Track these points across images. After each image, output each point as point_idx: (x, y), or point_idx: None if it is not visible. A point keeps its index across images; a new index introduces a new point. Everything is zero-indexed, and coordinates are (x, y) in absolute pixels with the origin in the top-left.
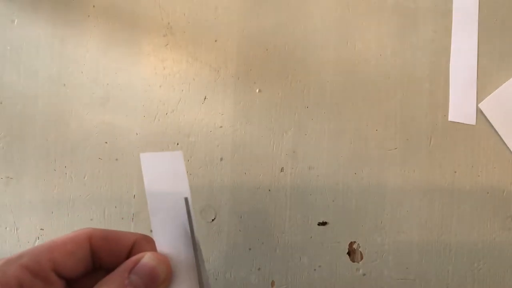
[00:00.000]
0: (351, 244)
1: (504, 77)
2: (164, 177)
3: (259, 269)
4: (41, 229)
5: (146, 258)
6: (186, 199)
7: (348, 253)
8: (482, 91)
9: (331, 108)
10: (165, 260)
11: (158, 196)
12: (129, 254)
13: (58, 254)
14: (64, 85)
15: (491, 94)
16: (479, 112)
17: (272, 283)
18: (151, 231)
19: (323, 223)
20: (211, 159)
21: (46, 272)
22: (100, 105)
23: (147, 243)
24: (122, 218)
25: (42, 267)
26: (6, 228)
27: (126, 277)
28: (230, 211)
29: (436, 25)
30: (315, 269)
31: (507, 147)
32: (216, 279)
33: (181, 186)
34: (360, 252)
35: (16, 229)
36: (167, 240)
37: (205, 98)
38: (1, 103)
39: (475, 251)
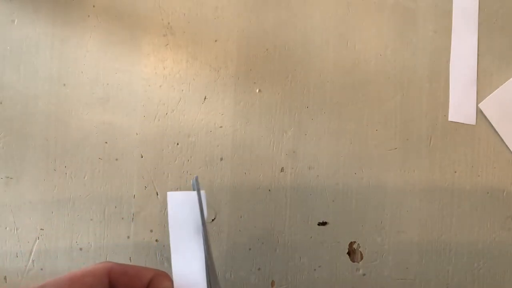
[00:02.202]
0: (351, 244)
1: (504, 77)
2: (187, 216)
3: (259, 269)
4: (41, 229)
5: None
6: (204, 226)
7: (348, 253)
8: (482, 91)
9: (331, 108)
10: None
11: (180, 234)
12: None
13: (78, 286)
14: (64, 85)
15: (491, 94)
16: (479, 112)
17: (272, 283)
18: (169, 252)
19: (323, 223)
20: (211, 159)
21: None
22: (100, 105)
23: (164, 279)
24: (122, 218)
25: None
26: (6, 228)
27: None
28: (230, 211)
29: (436, 25)
30: (315, 269)
31: (507, 147)
32: None
33: (199, 225)
34: (360, 252)
35: (16, 229)
36: (185, 277)
37: (205, 98)
38: (1, 103)
39: (475, 251)
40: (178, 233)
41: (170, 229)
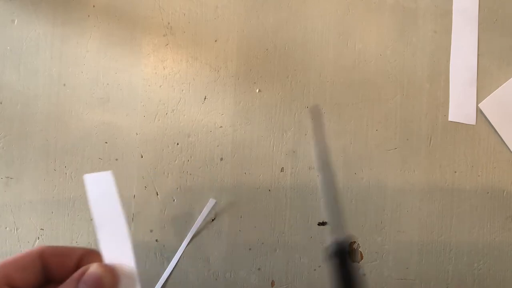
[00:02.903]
0: (351, 244)
1: (504, 77)
2: (103, 195)
3: (259, 269)
4: (41, 229)
5: (92, 268)
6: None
7: (348, 253)
8: (482, 91)
9: (331, 108)
10: (110, 269)
11: (101, 213)
12: (77, 267)
13: (11, 269)
14: (64, 85)
15: (491, 94)
16: (479, 112)
17: (272, 283)
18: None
19: (323, 223)
20: (211, 159)
21: (1, 287)
22: (100, 105)
23: (94, 255)
24: None
25: None
26: (6, 228)
27: (75, 287)
28: (230, 211)
29: (436, 25)
30: (315, 269)
31: (507, 147)
32: (216, 279)
33: (115, 205)
34: (360, 252)
35: (16, 229)
36: (112, 252)
37: (205, 98)
38: (1, 103)
39: (475, 251)
40: (99, 211)
41: (92, 209)
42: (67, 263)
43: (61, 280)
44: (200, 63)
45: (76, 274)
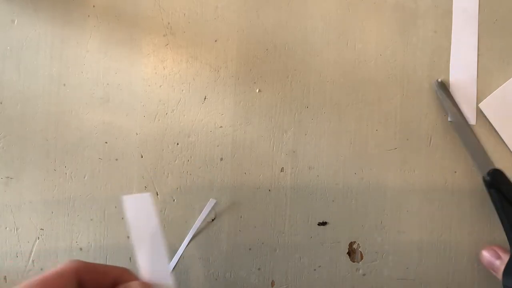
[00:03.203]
0: (351, 244)
1: (504, 77)
2: (142, 216)
3: (259, 269)
4: (41, 229)
5: (134, 285)
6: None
7: (348, 253)
8: (482, 91)
9: (331, 108)
10: (149, 286)
11: (139, 233)
12: (113, 286)
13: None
14: (64, 85)
15: (491, 94)
16: (479, 112)
17: (272, 283)
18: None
19: (323, 223)
20: (211, 159)
21: None
22: (100, 105)
23: (129, 274)
24: (122, 218)
25: None
26: (6, 228)
27: None
28: (230, 211)
29: (436, 25)
30: (315, 269)
31: (507, 147)
32: (216, 279)
33: (154, 225)
34: (360, 252)
35: (16, 229)
36: (150, 271)
37: (205, 98)
38: (1, 103)
39: (475, 251)
40: (138, 231)
41: (130, 229)
42: (103, 281)
43: None
44: (200, 63)
45: None
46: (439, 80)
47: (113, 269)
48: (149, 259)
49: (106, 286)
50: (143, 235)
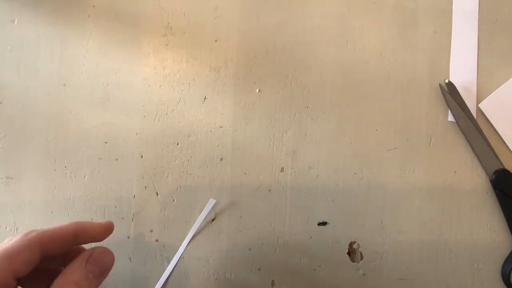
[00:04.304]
0: (351, 244)
1: (504, 77)
2: None
3: (259, 269)
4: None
5: (98, 251)
6: None
7: (348, 253)
8: (482, 91)
9: (331, 108)
10: (111, 252)
11: None
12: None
13: (17, 264)
14: (64, 85)
15: (491, 94)
16: (479, 112)
17: (272, 283)
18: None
19: (323, 223)
20: (211, 159)
21: (8, 281)
22: (100, 105)
23: (84, 227)
24: (122, 218)
25: (5, 277)
26: (6, 228)
27: (84, 266)
28: (230, 211)
29: (436, 25)
30: (315, 269)
31: (507, 147)
32: (216, 279)
33: None
34: (360, 252)
35: (16, 229)
36: None
37: (205, 98)
38: (1, 103)
39: (475, 251)
40: None
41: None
42: (63, 244)
43: (54, 256)
44: (200, 63)
45: (84, 255)
46: (447, 81)
47: (66, 228)
48: None
49: (67, 245)
50: None
